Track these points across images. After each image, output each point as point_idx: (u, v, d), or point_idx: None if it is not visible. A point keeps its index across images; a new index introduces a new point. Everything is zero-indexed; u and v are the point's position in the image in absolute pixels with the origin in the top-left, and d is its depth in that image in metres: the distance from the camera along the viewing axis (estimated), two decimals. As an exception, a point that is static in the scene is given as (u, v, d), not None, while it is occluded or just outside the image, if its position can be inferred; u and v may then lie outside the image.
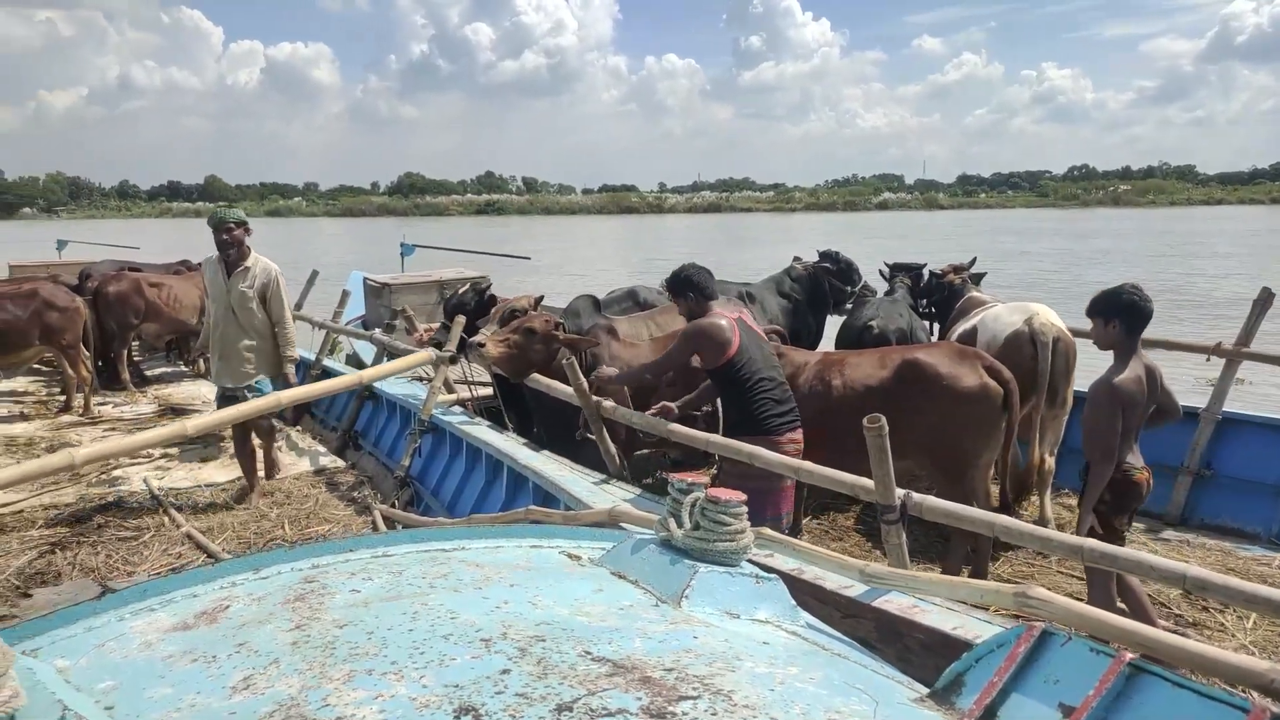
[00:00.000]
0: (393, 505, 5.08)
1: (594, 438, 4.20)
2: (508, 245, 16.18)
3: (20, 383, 9.07)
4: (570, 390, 4.23)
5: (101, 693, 1.50)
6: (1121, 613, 3.13)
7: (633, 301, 6.86)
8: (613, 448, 4.16)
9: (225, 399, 5.26)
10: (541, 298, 6.04)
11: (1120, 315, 3.32)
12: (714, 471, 4.39)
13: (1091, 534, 3.20)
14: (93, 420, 7.48)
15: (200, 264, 10.41)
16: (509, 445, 4.66)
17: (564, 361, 4.24)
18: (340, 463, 6.20)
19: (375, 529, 4.64)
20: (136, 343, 9.23)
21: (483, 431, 4.99)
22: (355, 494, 5.44)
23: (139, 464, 6.09)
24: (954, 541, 4.20)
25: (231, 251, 5.21)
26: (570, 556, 2.07)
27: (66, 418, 7.58)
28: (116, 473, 5.90)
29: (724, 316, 3.82)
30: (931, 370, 4.09)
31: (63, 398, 7.98)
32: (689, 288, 3.91)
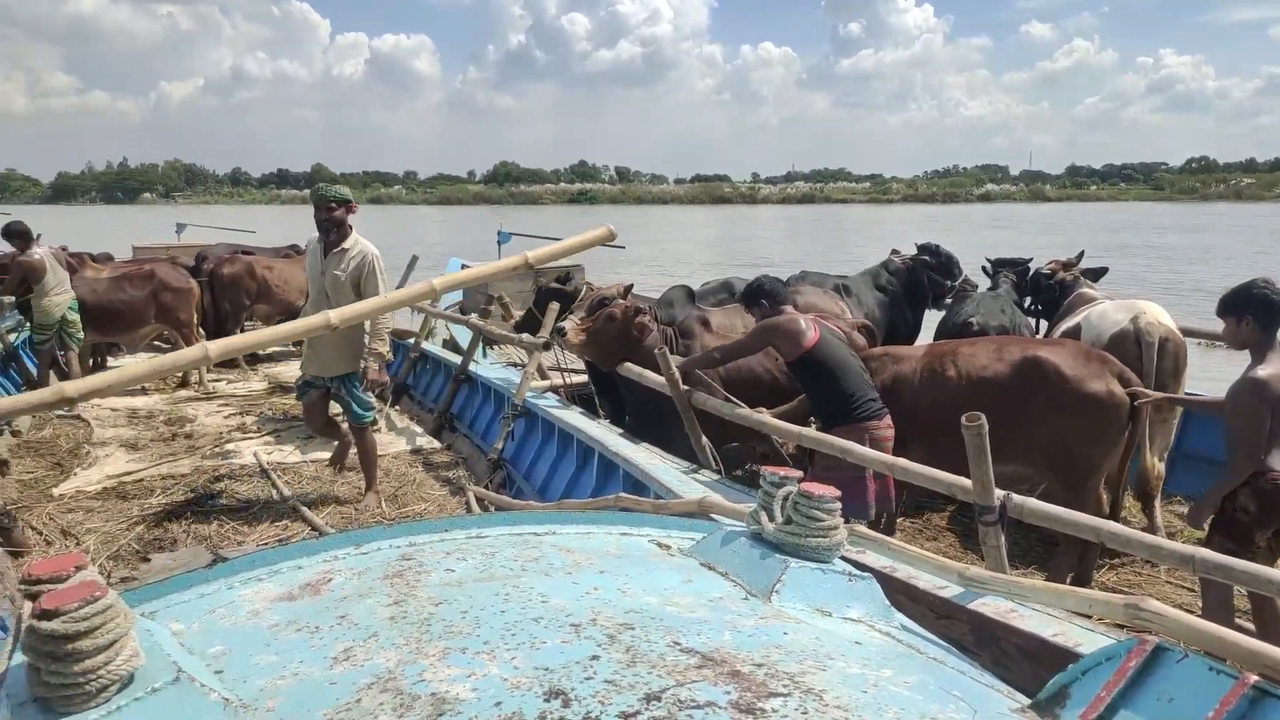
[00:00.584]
0: (486, 487, 5.19)
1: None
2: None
3: (141, 358, 9.61)
4: (662, 379, 4.24)
5: (212, 657, 1.57)
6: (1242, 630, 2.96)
7: (728, 293, 6.82)
8: (703, 438, 4.15)
9: (304, 387, 5.09)
10: (630, 286, 6.07)
11: (1253, 311, 3.14)
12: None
13: (1227, 549, 3.01)
14: (207, 395, 7.87)
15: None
16: (600, 432, 4.70)
17: (656, 350, 4.25)
18: (436, 444, 6.37)
19: (469, 509, 4.75)
20: (249, 322, 9.65)
21: (574, 417, 5.05)
22: (450, 474, 5.57)
23: (250, 438, 6.37)
24: (1060, 547, 4.04)
25: (331, 232, 4.88)
26: (660, 545, 2.07)
27: (183, 392, 8.00)
28: (229, 446, 6.20)
29: (800, 315, 3.85)
30: (1055, 370, 3.91)
31: (179, 374, 8.41)
32: (761, 296, 4.03)
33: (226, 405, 7.46)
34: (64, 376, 7.36)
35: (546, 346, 5.49)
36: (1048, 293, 5.99)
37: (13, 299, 7.46)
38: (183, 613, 1.80)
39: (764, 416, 3.82)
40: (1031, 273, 6.39)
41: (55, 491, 5.26)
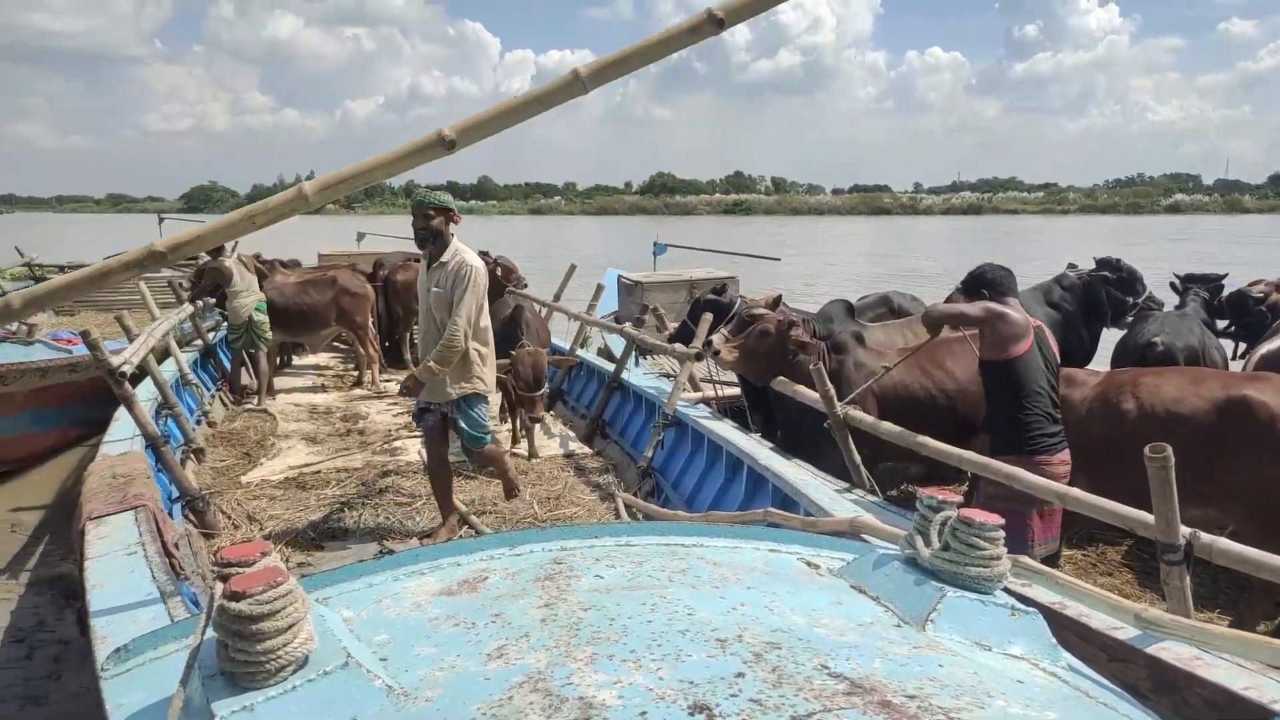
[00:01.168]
0: (635, 494, 5.25)
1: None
2: (754, 245, 16.21)
3: (322, 358, 10.31)
4: (816, 395, 4.17)
5: (378, 644, 1.66)
6: None
7: (886, 308, 6.64)
8: (856, 456, 4.05)
9: (420, 414, 4.75)
10: (780, 297, 6.00)
11: None
12: (965, 489, 4.15)
13: None
14: (378, 394, 8.34)
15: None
16: (750, 445, 4.67)
17: (810, 366, 4.19)
18: (587, 449, 6.50)
19: (618, 516, 4.81)
20: (417, 326, 10.16)
21: (725, 429, 5.04)
22: (600, 480, 5.67)
23: (415, 437, 6.71)
24: (1252, 591, 3.68)
25: (429, 244, 4.40)
26: (809, 564, 2.03)
27: (357, 391, 8.52)
28: (397, 443, 6.55)
29: (1026, 316, 3.57)
30: (1267, 413, 3.53)
31: (354, 373, 8.97)
32: (982, 284, 3.66)
33: (395, 404, 7.88)
34: (256, 373, 8.01)
35: (699, 357, 5.50)
36: (1256, 316, 5.47)
37: (212, 300, 8.17)
38: (353, 600, 1.91)
39: (922, 437, 3.68)
40: (1232, 292, 5.87)
41: (243, 479, 5.70)
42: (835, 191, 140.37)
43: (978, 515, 1.68)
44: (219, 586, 1.57)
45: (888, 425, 3.86)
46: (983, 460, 3.31)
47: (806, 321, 5.17)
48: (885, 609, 1.70)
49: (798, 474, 4.08)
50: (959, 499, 1.75)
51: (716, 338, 5.59)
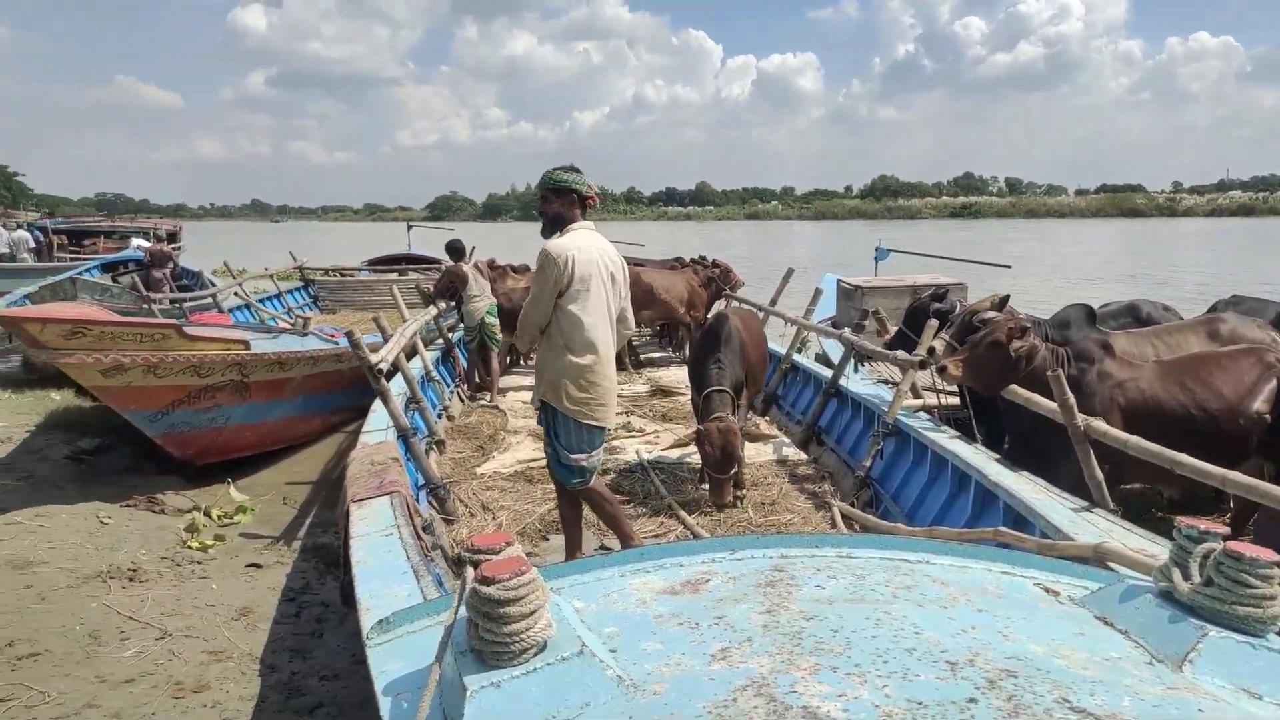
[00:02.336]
0: (851, 504, 5.15)
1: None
2: (985, 250, 15.34)
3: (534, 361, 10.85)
4: (1053, 405, 3.91)
5: (607, 636, 1.75)
6: None
7: (1132, 317, 6.10)
8: (1098, 473, 3.74)
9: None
10: (1007, 297, 5.65)
11: None
12: (1228, 519, 3.75)
13: None
14: (599, 395, 8.67)
15: (692, 261, 11.55)
16: (978, 458, 4.45)
17: (1049, 373, 3.93)
18: (803, 455, 6.44)
19: (833, 525, 4.74)
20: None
21: (949, 440, 4.83)
22: (815, 488, 5.60)
23: (634, 437, 6.93)
24: None
25: (548, 231, 4.01)
26: (1046, 590, 1.93)
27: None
28: (615, 442, 6.79)
29: None
30: None
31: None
32: None
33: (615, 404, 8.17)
34: (487, 371, 8.57)
35: (922, 365, 5.30)
36: None
37: (452, 303, 8.83)
38: (583, 593, 2.02)
39: (1180, 455, 3.34)
40: None
41: (478, 470, 6.11)
42: (1079, 192, 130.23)
43: (1249, 549, 1.53)
44: (469, 571, 1.72)
45: (1137, 440, 3.54)
46: (1250, 481, 2.96)
47: (1039, 325, 4.86)
48: (1136, 644, 1.58)
49: (1032, 491, 3.84)
50: (1225, 529, 1.60)
51: (938, 343, 5.37)
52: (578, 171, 4.02)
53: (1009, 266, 12.16)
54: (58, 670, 3.31)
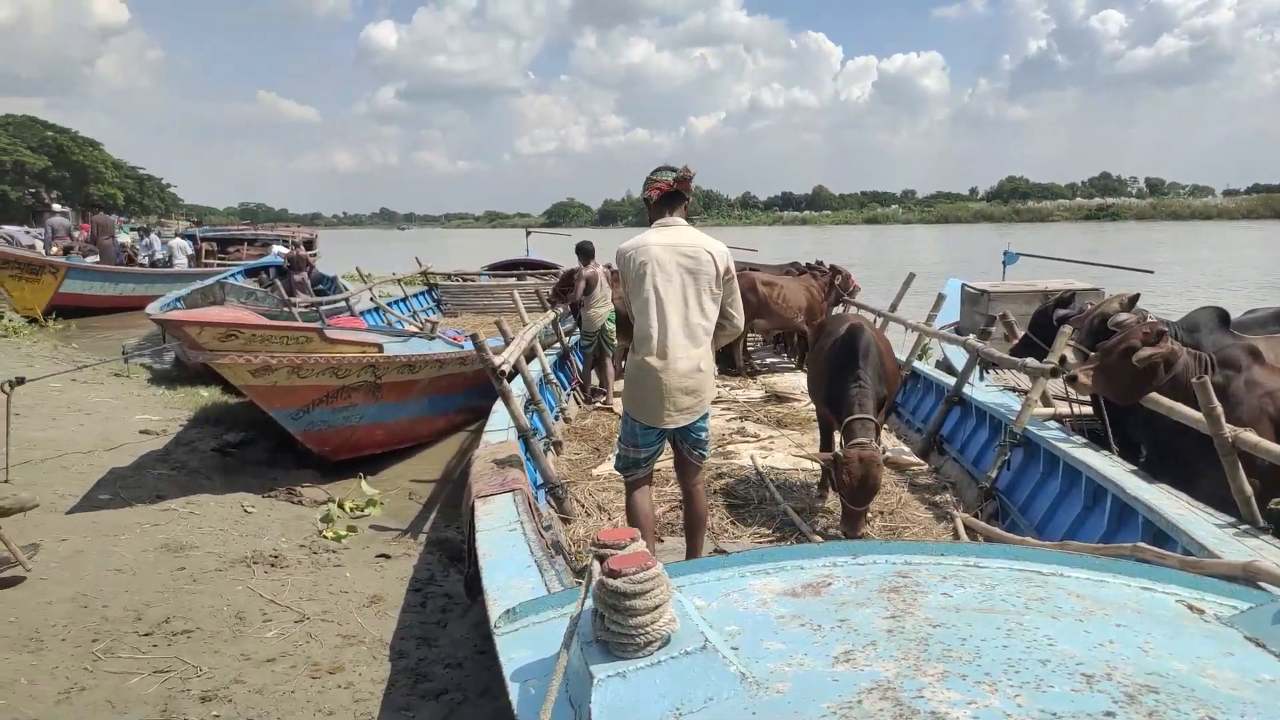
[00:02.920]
0: (975, 516, 4.99)
1: None
2: (1123, 254, 14.55)
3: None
4: (1197, 415, 3.69)
5: (728, 634, 1.77)
6: None
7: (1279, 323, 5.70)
8: (1247, 488, 3.51)
9: None
10: (1136, 297, 5.35)
11: None
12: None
13: None
14: (714, 399, 8.67)
15: (809, 267, 11.41)
16: (1114, 470, 4.24)
17: (1194, 380, 3.71)
18: (923, 464, 6.28)
19: (956, 537, 4.60)
20: (750, 335, 10.41)
21: (1083, 451, 4.62)
22: (937, 498, 5.45)
23: (748, 442, 6.91)
24: None
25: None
26: (1190, 608, 1.84)
27: (694, 396, 8.92)
28: (729, 447, 6.78)
29: None
30: None
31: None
32: None
33: (728, 409, 8.15)
34: (603, 376, 8.70)
35: (1054, 374, 5.07)
36: None
37: (566, 309, 8.99)
38: (704, 592, 2.05)
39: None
40: None
41: (594, 471, 6.21)
42: (1228, 193, 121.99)
43: None
44: (596, 565, 1.77)
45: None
46: None
47: (1169, 329, 4.60)
48: (1293, 668, 1.50)
49: (1174, 506, 3.64)
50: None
51: (1068, 351, 5.14)
52: (660, 170, 4.00)
53: (1151, 271, 11.47)
54: (208, 647, 3.56)
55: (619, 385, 8.96)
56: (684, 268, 3.81)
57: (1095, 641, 1.58)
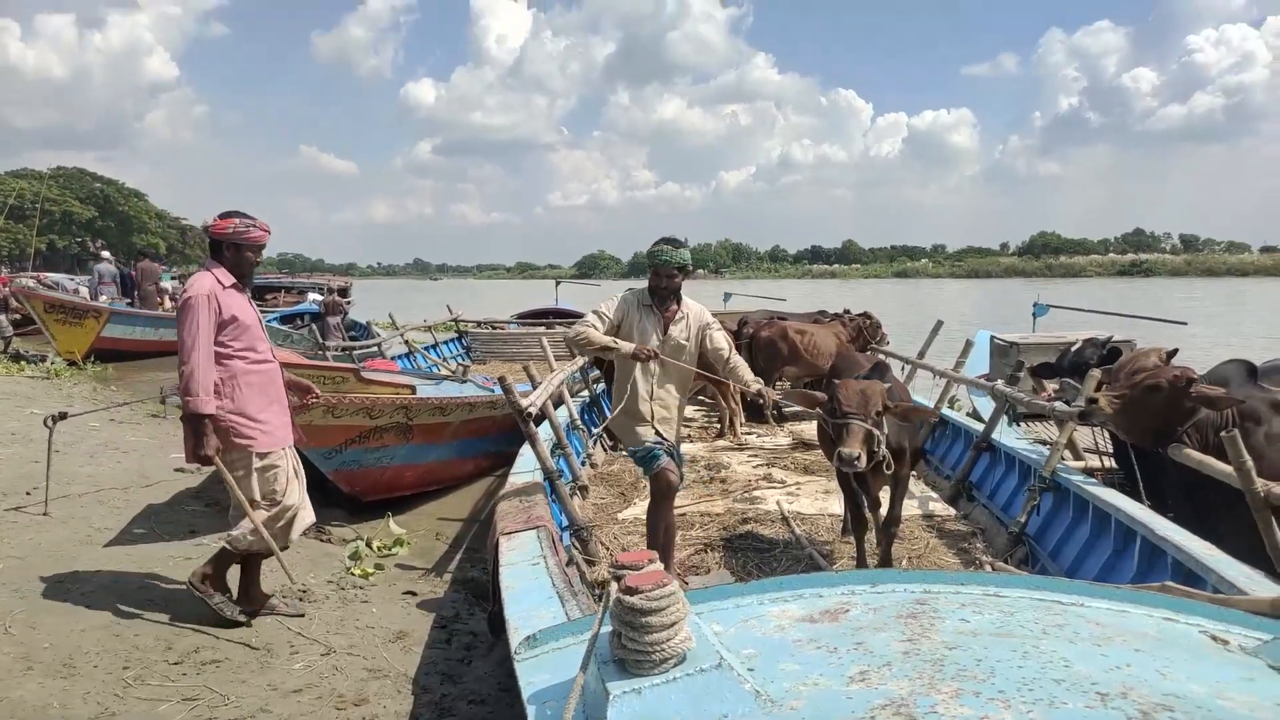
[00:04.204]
0: (1005, 561, 4.93)
1: None
2: (1156, 309, 14.37)
3: (688, 410, 10.91)
4: (1228, 468, 3.65)
5: (745, 657, 1.78)
6: None
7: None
8: (1281, 540, 3.46)
9: (657, 454, 4.79)
10: (1175, 352, 5.32)
11: None
12: None
13: None
14: (739, 446, 8.67)
15: (835, 316, 11.43)
16: (1144, 513, 4.19)
17: (1223, 434, 3.69)
18: (951, 511, 6.22)
19: (984, 582, 4.55)
20: (779, 382, 10.42)
21: (1112, 495, 4.57)
22: (965, 544, 5.40)
23: (774, 488, 6.89)
24: None
25: (669, 301, 4.71)
26: (1214, 638, 1.82)
27: (720, 442, 8.92)
28: (756, 492, 6.76)
29: None
30: None
31: (718, 425, 9.41)
32: None
33: (755, 456, 8.14)
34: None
35: (1082, 418, 5.03)
36: None
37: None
38: (721, 617, 2.07)
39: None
40: None
41: (619, 515, 6.21)
42: (1265, 249, 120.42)
43: None
44: (613, 586, 1.80)
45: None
46: None
47: (1195, 376, 4.57)
48: (1315, 694, 1.48)
49: (1205, 548, 3.59)
50: None
51: (1093, 381, 5.11)
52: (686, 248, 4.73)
53: (1184, 323, 11.35)
54: (236, 677, 3.59)
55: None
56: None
57: (1112, 665, 1.58)
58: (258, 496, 3.99)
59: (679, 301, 4.70)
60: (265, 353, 4.07)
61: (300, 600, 4.53)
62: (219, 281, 3.94)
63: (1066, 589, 2.07)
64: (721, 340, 4.77)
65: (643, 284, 4.84)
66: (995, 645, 1.69)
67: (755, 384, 4.70)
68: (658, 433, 4.74)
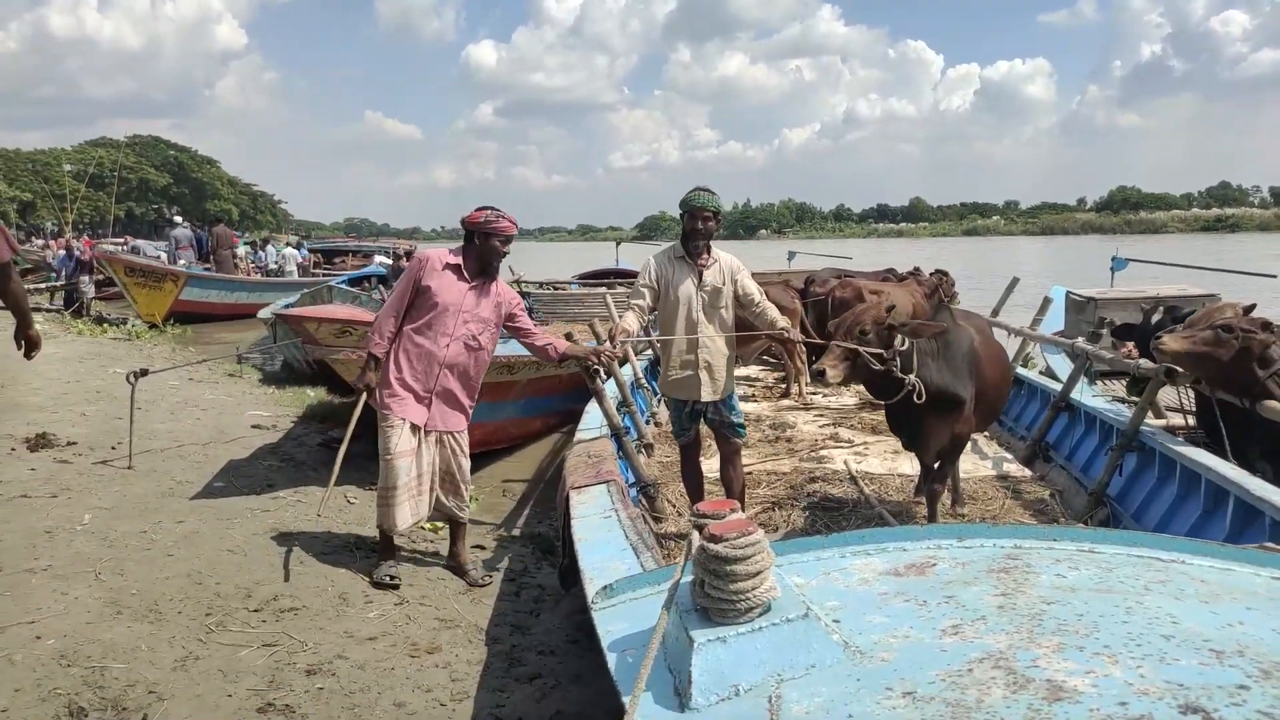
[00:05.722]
0: (1085, 523, 4.78)
1: None
2: (1245, 265, 13.65)
3: (753, 370, 10.84)
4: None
5: (829, 609, 1.74)
6: None
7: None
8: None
9: (693, 418, 4.89)
10: (1253, 306, 5.08)
11: None
12: None
13: None
14: (805, 405, 8.57)
15: (908, 273, 11.16)
16: (1237, 473, 4.01)
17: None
18: (1027, 472, 6.06)
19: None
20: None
21: (1201, 454, 4.38)
22: (1042, 506, 5.26)
23: (841, 447, 6.80)
24: None
25: (701, 245, 4.68)
26: (1329, 598, 1.72)
27: (785, 401, 8.83)
28: (823, 452, 6.68)
29: None
30: None
31: (783, 384, 9.31)
32: None
33: (821, 415, 8.04)
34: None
35: (1169, 375, 4.82)
36: None
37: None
38: (803, 570, 2.02)
39: None
40: None
41: (685, 473, 6.20)
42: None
43: None
44: (695, 534, 1.77)
45: None
46: None
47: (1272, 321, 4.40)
48: None
49: None
50: None
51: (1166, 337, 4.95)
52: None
53: (1274, 276, 10.79)
54: (313, 624, 3.68)
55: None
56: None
57: (1223, 622, 1.50)
58: (379, 449, 4.26)
59: (709, 250, 4.74)
60: (434, 337, 4.24)
61: (374, 553, 4.62)
62: (441, 258, 4.31)
63: (1166, 545, 1.98)
64: (751, 286, 4.83)
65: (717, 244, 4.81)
66: (1096, 600, 1.62)
67: (782, 323, 4.83)
68: (699, 389, 4.67)
